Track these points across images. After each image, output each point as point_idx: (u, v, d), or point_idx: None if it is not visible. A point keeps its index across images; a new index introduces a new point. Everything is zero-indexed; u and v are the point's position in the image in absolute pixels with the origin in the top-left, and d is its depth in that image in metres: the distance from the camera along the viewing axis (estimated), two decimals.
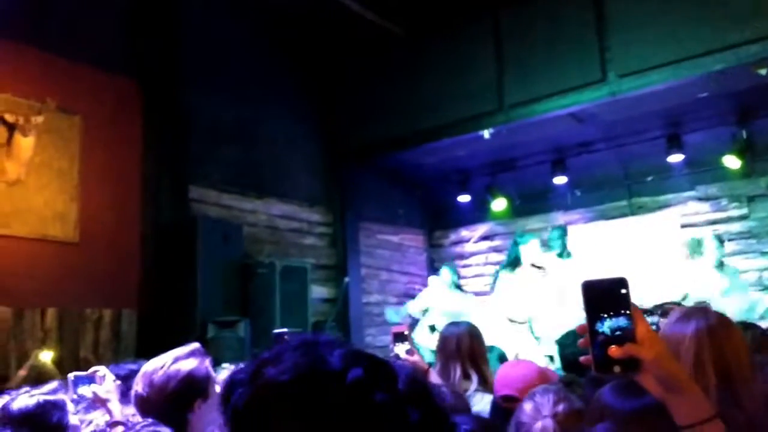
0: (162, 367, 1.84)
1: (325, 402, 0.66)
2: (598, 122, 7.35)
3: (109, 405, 2.06)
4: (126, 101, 6.23)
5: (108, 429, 2.02)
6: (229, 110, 7.07)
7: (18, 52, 5.48)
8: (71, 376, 2.29)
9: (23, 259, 5.41)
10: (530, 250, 7.29)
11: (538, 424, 1.65)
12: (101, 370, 2.24)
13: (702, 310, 1.70)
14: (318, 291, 7.60)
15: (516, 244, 7.50)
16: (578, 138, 7.93)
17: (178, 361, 1.86)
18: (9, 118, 5.28)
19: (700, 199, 7.98)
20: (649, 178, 8.19)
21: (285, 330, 2.52)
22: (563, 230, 7.76)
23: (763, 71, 5.85)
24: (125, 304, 5.99)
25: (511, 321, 6.92)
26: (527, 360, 2.62)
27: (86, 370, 5.77)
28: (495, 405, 2.28)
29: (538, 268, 7.11)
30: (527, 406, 1.73)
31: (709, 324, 1.54)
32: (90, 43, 5.95)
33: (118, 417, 2.04)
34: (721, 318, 1.59)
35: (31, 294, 5.41)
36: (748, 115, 7.20)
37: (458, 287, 8.35)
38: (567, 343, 3.54)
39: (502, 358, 3.79)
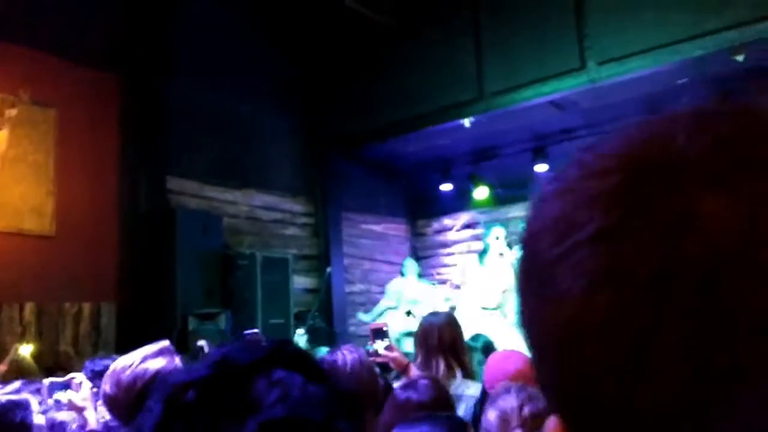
0: (130, 366, 1.82)
1: None
2: (578, 110, 7.37)
3: (86, 413, 2.04)
4: (103, 92, 6.15)
5: None
6: (209, 100, 7.00)
7: None
8: (46, 381, 2.26)
9: (0, 253, 5.35)
10: (494, 239, 7.36)
11: None
12: (77, 377, 2.21)
13: None
14: (300, 281, 7.58)
15: (485, 235, 7.62)
16: (559, 125, 7.94)
17: (146, 360, 1.84)
18: None
19: None
20: None
21: (256, 330, 2.50)
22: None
23: (740, 57, 5.88)
24: (104, 298, 5.95)
25: (484, 309, 6.96)
26: (515, 351, 2.61)
27: (66, 364, 5.74)
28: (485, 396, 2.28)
29: (501, 255, 7.17)
30: (492, 415, 1.70)
31: None
32: (65, 34, 5.86)
33: (93, 425, 2.03)
34: None
35: (8, 288, 5.35)
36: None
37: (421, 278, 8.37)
38: None
39: (488, 347, 3.80)
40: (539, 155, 8.20)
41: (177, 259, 5.91)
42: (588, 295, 0.36)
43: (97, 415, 2.04)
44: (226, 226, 6.76)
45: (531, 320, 0.41)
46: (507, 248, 7.27)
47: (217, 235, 6.48)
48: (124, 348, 5.34)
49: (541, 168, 8.24)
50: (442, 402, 1.98)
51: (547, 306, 0.38)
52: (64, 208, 5.72)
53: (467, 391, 2.56)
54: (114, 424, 2.01)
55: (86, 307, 5.82)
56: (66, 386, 2.15)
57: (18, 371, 5.14)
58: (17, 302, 5.43)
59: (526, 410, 1.66)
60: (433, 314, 3.16)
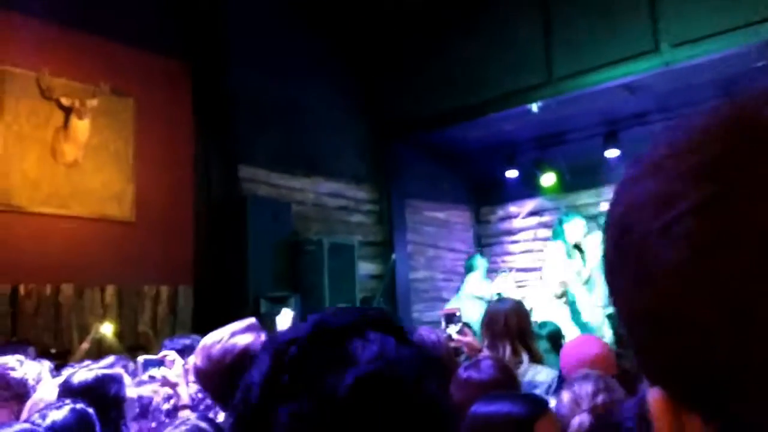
0: (219, 341, 1.90)
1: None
2: (651, 93, 7.15)
3: (178, 389, 2.14)
4: (176, 82, 6.35)
5: (177, 411, 2.10)
6: (274, 90, 7.14)
7: (71, 37, 5.64)
8: (141, 359, 2.38)
9: (83, 238, 5.62)
10: (573, 229, 7.19)
11: (576, 420, 1.62)
12: (170, 354, 2.32)
13: None
14: (365, 267, 7.66)
15: (560, 222, 7.40)
16: (631, 110, 7.71)
17: (234, 335, 1.92)
18: (65, 101, 5.46)
19: None
20: None
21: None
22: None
23: None
24: (181, 281, 6.17)
25: (556, 296, 6.85)
26: (591, 336, 2.58)
27: (145, 344, 5.98)
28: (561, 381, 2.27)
29: (579, 249, 7.00)
30: (565, 397, 1.70)
31: None
32: (139, 26, 6.08)
33: (185, 401, 2.11)
34: None
35: (91, 272, 5.62)
36: None
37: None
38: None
39: (555, 335, 3.76)
40: (610, 140, 7.98)
41: (249, 244, 6.08)
42: (695, 263, 0.37)
43: (189, 390, 2.13)
44: (293, 213, 6.90)
45: (630, 295, 0.41)
46: (583, 238, 7.11)
47: (286, 221, 6.63)
48: (199, 329, 5.55)
49: (612, 153, 8.02)
50: (504, 382, 1.97)
51: (649, 279, 0.39)
52: (143, 195, 5.95)
53: (537, 376, 2.55)
54: (202, 396, 2.10)
55: (164, 290, 6.05)
56: (160, 363, 2.26)
57: (99, 350, 5.40)
58: (99, 285, 5.69)
59: (600, 398, 1.65)
60: (500, 301, 3.16)
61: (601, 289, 6.56)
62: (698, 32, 5.98)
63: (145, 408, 2.52)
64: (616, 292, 0.43)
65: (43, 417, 1.67)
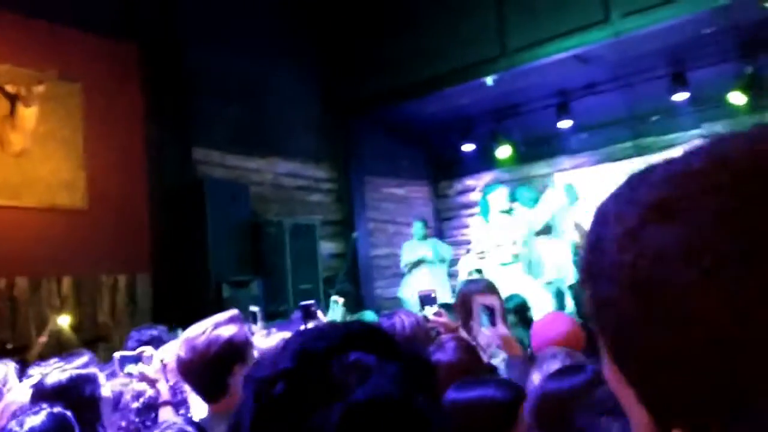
0: (203, 333, 1.89)
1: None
2: (602, 63, 7.25)
3: (158, 385, 2.11)
4: (126, 65, 6.16)
5: (158, 410, 2.07)
6: (229, 70, 6.98)
7: (15, 22, 5.39)
8: (117, 355, 2.33)
9: (35, 229, 5.44)
10: (496, 198, 7.38)
11: None
12: (147, 350, 2.28)
13: None
14: (327, 247, 7.65)
15: (484, 195, 7.65)
16: (583, 80, 7.83)
17: (218, 327, 1.91)
18: (10, 89, 5.24)
19: (705, 137, 7.82)
20: (654, 118, 8.12)
21: (312, 302, 2.53)
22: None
23: None
24: (139, 269, 6.05)
25: (502, 264, 6.98)
26: (559, 314, 2.63)
27: (105, 334, 5.86)
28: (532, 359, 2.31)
29: (506, 212, 7.19)
30: (536, 377, 1.74)
31: None
32: (85, 8, 5.85)
33: (166, 397, 2.09)
34: None
35: (46, 263, 5.46)
36: (755, 50, 7.08)
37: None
38: (581, 290, 3.58)
39: (521, 307, 3.82)
40: (563, 111, 8.11)
41: (208, 228, 5.99)
42: (742, 314, 0.38)
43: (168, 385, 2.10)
44: (252, 195, 6.81)
45: (654, 339, 0.41)
46: (509, 203, 7.29)
47: (244, 203, 6.54)
48: (160, 317, 5.48)
49: (564, 124, 8.16)
50: (471, 362, 2.00)
51: (686, 326, 0.39)
52: (95, 182, 5.78)
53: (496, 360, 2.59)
54: (178, 391, 2.07)
55: (122, 278, 5.93)
56: (137, 359, 2.21)
57: (58, 342, 5.28)
58: (55, 276, 5.54)
59: None
60: (472, 281, 3.19)
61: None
62: (647, 1, 6.08)
63: (115, 402, 2.48)
64: (629, 335, 0.42)
65: (20, 424, 1.62)
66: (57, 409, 1.69)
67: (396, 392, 0.70)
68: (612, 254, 0.43)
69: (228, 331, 1.90)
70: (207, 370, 1.82)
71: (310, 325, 2.45)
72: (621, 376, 0.44)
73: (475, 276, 6.44)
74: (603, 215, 0.46)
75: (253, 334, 2.78)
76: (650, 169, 0.46)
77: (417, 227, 8.15)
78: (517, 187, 7.91)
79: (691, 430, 0.40)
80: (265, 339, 2.40)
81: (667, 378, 0.40)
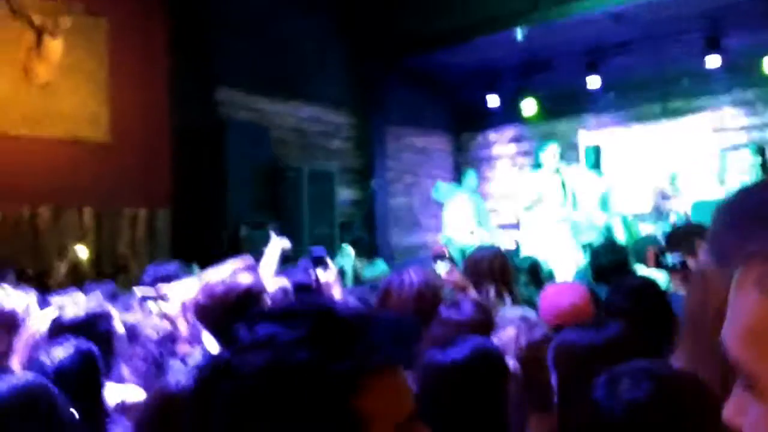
0: (223, 280, 1.94)
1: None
2: (636, 22, 7.06)
3: (177, 323, 2.17)
4: (151, 1, 6.11)
5: (177, 346, 2.14)
6: (254, 8, 6.90)
7: None
8: (138, 293, 2.40)
9: (59, 160, 5.53)
10: (551, 155, 7.24)
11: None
12: (167, 288, 2.34)
13: None
14: (344, 194, 7.68)
15: (538, 149, 7.48)
16: (615, 39, 7.63)
17: (236, 275, 1.96)
18: (37, 20, 5.24)
19: (735, 103, 7.76)
20: (684, 81, 7.95)
21: (323, 251, 2.56)
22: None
23: None
24: (159, 204, 6.14)
25: (526, 209, 6.92)
26: (571, 284, 2.66)
27: (124, 266, 5.99)
28: None
29: (557, 171, 7.04)
30: (494, 342, 1.78)
31: None
32: None
33: (185, 334, 2.16)
34: None
35: (68, 194, 5.56)
36: None
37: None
38: (601, 252, 3.61)
39: (534, 267, 3.86)
40: (592, 69, 7.94)
41: (228, 169, 6.04)
42: None
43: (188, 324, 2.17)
44: (273, 138, 6.83)
45: None
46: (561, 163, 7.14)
47: (265, 147, 6.57)
48: (179, 252, 5.59)
49: (593, 81, 8.01)
50: (481, 323, 2.04)
51: None
52: (119, 117, 5.83)
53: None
54: (197, 329, 2.15)
55: (142, 212, 6.03)
56: (158, 298, 2.28)
57: (76, 272, 5.42)
58: (77, 207, 5.65)
59: (522, 340, 1.73)
60: (484, 247, 3.24)
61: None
62: None
63: (133, 333, 2.57)
64: None
65: (49, 356, 1.70)
66: (84, 345, 1.77)
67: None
68: None
69: (246, 279, 1.96)
70: (224, 316, 1.88)
71: (320, 271, 2.51)
72: None
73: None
74: None
75: None
76: None
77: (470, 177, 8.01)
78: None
79: None
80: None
81: None
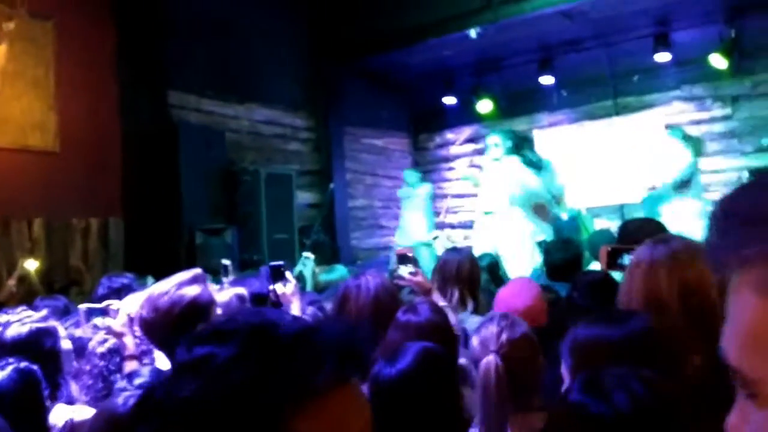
0: (167, 293, 1.88)
1: None
2: (587, 20, 7.18)
3: (124, 339, 2.10)
4: (99, 4, 5.96)
5: (123, 362, 2.07)
6: (207, 10, 6.79)
7: None
8: (83, 307, 2.31)
9: (5, 169, 5.34)
10: (493, 145, 7.31)
11: (483, 361, 1.70)
12: (114, 303, 2.26)
13: (668, 238, 1.67)
14: (303, 197, 7.62)
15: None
16: (566, 36, 7.76)
17: (182, 287, 1.90)
18: None
19: (685, 98, 7.94)
20: (636, 78, 8.11)
21: (281, 263, 2.48)
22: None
23: None
24: (111, 213, 5.99)
25: (486, 213, 7.00)
26: (524, 283, 2.67)
27: (77, 278, 5.81)
28: None
29: (497, 160, 7.12)
30: (475, 341, 1.79)
31: (671, 251, 1.52)
32: None
33: (132, 351, 2.09)
34: (688, 245, 1.57)
35: (16, 204, 5.38)
36: (737, 14, 7.06)
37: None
38: (553, 249, 3.64)
39: (493, 266, 3.88)
40: (545, 67, 8.06)
41: (181, 174, 5.92)
42: None
43: (135, 340, 2.11)
44: (228, 142, 6.73)
45: None
46: (502, 155, 7.23)
47: (220, 150, 6.47)
48: (133, 262, 5.45)
49: (546, 80, 8.11)
50: (439, 326, 2.04)
51: None
52: (67, 124, 5.66)
53: (470, 325, 2.64)
54: (141, 343, 2.08)
55: (94, 222, 5.87)
56: (103, 312, 2.20)
57: (28, 286, 5.24)
58: (25, 218, 5.47)
59: (504, 336, 1.74)
60: (455, 249, 3.24)
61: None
62: None
63: (82, 348, 2.49)
64: None
65: None
66: (24, 364, 1.69)
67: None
68: None
69: (192, 291, 1.90)
70: (170, 330, 1.83)
71: (279, 286, 2.44)
72: None
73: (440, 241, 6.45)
74: None
75: (223, 287, 2.78)
76: None
77: (409, 175, 8.14)
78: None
79: None
80: (218, 293, 2.40)
81: None
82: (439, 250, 5.87)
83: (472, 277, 2.89)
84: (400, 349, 1.59)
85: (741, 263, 0.45)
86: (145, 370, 1.70)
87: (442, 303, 2.46)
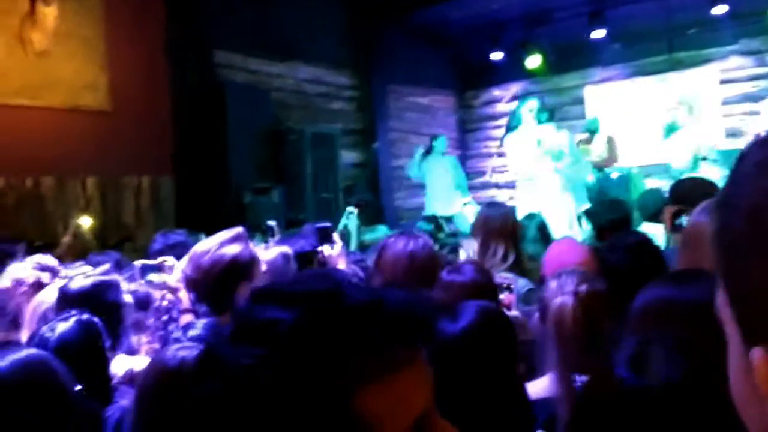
0: (208, 252, 1.92)
1: None
2: None
3: (179, 294, 2.16)
4: None
5: (179, 315, 2.13)
6: None
7: None
8: (138, 263, 2.37)
9: (59, 129, 5.48)
10: (528, 111, 7.20)
11: (558, 299, 1.70)
12: (169, 260, 2.32)
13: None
14: (348, 156, 7.63)
15: (517, 106, 7.45)
16: None
17: (223, 246, 1.94)
18: None
19: (742, 53, 7.61)
20: (691, 31, 7.79)
21: (328, 224, 2.46)
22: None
23: None
24: (162, 172, 6.11)
25: (527, 180, 6.93)
26: (574, 242, 2.64)
27: (130, 235, 5.99)
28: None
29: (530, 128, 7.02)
30: (552, 284, 1.78)
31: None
32: None
33: (187, 305, 2.15)
34: None
35: (69, 163, 5.53)
36: None
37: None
38: (601, 211, 3.60)
39: (542, 226, 3.85)
40: (596, 20, 7.76)
41: (229, 133, 5.99)
42: None
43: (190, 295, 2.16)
44: (273, 101, 6.75)
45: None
46: (535, 121, 7.13)
47: (266, 109, 6.51)
48: (184, 219, 5.57)
49: (598, 33, 7.84)
50: (483, 285, 2.04)
51: None
52: (118, 84, 5.76)
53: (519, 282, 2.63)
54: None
55: (145, 180, 6.00)
56: (158, 268, 2.26)
57: (82, 243, 5.43)
58: (79, 177, 5.63)
59: (584, 287, 1.73)
60: (496, 204, 3.21)
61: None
62: None
63: (144, 302, 2.57)
64: (737, 257, 0.47)
65: (52, 329, 1.70)
66: (86, 316, 1.76)
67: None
68: (741, 186, 0.47)
69: (232, 250, 1.93)
70: (212, 288, 1.87)
71: (326, 247, 2.44)
72: (726, 296, 0.49)
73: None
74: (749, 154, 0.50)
75: (269, 247, 2.82)
76: None
77: (441, 142, 8.02)
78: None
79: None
80: (264, 252, 2.43)
81: (757, 299, 0.45)
82: (471, 218, 5.85)
83: (515, 232, 2.85)
84: (458, 308, 1.60)
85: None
86: (200, 323, 1.75)
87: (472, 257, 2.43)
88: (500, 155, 8.87)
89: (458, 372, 1.47)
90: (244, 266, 1.94)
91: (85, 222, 5.46)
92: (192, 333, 1.71)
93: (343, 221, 4.70)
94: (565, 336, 1.64)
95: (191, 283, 1.94)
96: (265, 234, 3.59)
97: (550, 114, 7.33)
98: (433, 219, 5.90)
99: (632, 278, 1.67)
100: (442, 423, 0.68)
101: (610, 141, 7.90)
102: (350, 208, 4.45)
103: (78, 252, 4.74)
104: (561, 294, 1.72)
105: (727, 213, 0.48)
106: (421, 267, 2.22)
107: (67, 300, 1.96)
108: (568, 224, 6.22)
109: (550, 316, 1.71)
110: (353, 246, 4.72)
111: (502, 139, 8.28)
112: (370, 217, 6.38)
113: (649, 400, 0.95)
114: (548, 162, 6.67)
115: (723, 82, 7.62)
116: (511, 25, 8.36)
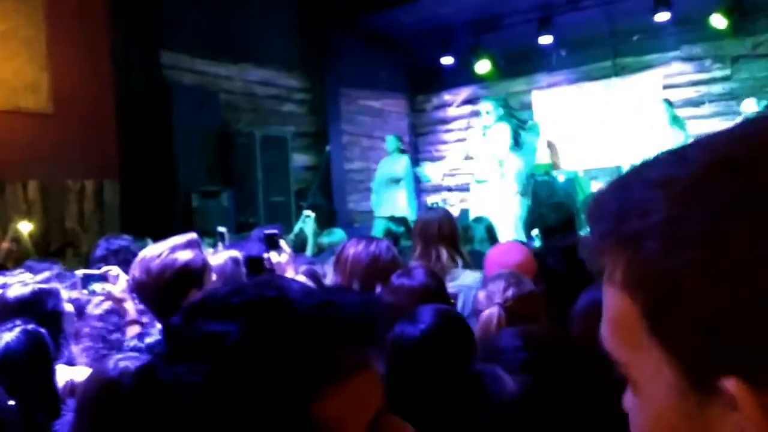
0: (159, 256, 1.87)
1: None
2: None
3: (125, 305, 2.10)
4: None
5: (125, 327, 2.07)
6: None
7: None
8: (80, 273, 2.29)
9: None
10: (485, 113, 7.27)
11: (486, 312, 1.72)
12: (113, 269, 2.24)
13: None
14: (300, 159, 7.58)
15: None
16: None
17: (175, 251, 1.89)
18: None
19: (684, 59, 7.87)
20: (635, 38, 8.01)
21: (275, 230, 2.42)
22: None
23: None
24: (107, 175, 5.96)
25: (477, 182, 7.00)
26: (515, 243, 2.67)
27: (73, 241, 5.82)
28: None
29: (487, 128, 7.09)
30: (481, 294, 1.81)
31: None
32: None
33: (133, 316, 2.08)
34: None
35: (10, 166, 5.34)
36: None
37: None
38: (547, 212, 3.66)
39: (490, 228, 3.89)
40: (544, 26, 7.93)
41: (175, 136, 5.88)
42: None
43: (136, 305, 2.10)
44: (222, 103, 6.65)
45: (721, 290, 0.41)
46: (493, 122, 7.19)
47: (214, 111, 6.41)
48: (129, 224, 5.44)
49: (545, 39, 8.00)
50: (434, 288, 2.05)
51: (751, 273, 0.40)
52: (60, 85, 5.59)
53: (465, 280, 2.65)
54: (143, 309, 2.09)
55: (89, 184, 5.84)
56: (102, 278, 2.18)
57: (23, 249, 5.25)
58: (20, 180, 5.44)
59: (510, 292, 1.76)
60: (432, 209, 3.22)
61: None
62: None
63: (80, 310, 2.49)
64: (682, 289, 0.42)
65: None
66: (31, 326, 1.70)
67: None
68: (664, 211, 0.43)
69: (184, 255, 1.89)
70: (160, 293, 1.82)
71: (273, 254, 2.41)
72: (651, 337, 0.44)
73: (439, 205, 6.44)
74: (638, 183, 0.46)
75: (218, 251, 2.77)
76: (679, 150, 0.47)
77: (390, 141, 8.00)
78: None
79: (744, 379, 0.40)
80: (213, 256, 2.39)
81: (728, 328, 0.40)
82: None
83: (453, 234, 2.87)
84: (416, 311, 1.60)
85: (603, 258, 0.47)
86: (156, 330, 1.70)
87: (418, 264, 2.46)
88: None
89: (418, 373, 1.48)
90: (196, 273, 1.90)
91: (25, 228, 5.28)
92: (149, 340, 1.67)
93: (300, 225, 4.66)
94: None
95: (138, 287, 1.89)
96: (215, 239, 3.52)
97: (505, 102, 7.31)
98: (403, 221, 5.90)
99: (570, 281, 1.71)
100: (396, 420, 0.66)
101: (550, 146, 8.07)
102: (307, 212, 4.41)
103: (18, 258, 4.59)
104: (489, 305, 1.74)
105: (651, 244, 0.43)
106: (383, 270, 2.22)
107: (6, 308, 1.89)
108: (514, 228, 6.30)
109: (478, 328, 1.73)
110: (310, 250, 4.68)
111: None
112: (323, 220, 6.34)
113: None
114: (496, 167, 6.75)
115: (666, 87, 7.85)
116: (461, 30, 8.46)
